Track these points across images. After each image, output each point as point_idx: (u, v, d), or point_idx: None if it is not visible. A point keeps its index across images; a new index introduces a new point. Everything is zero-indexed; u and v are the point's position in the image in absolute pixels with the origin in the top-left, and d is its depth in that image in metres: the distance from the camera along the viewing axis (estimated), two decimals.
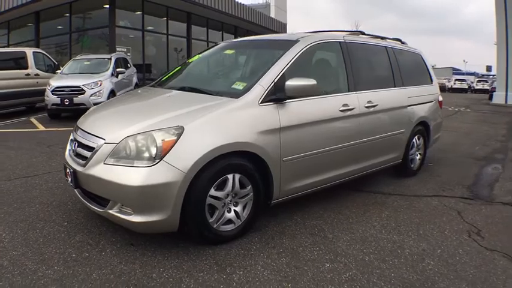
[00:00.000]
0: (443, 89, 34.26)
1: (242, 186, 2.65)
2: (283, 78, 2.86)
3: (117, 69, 9.66)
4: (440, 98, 4.91)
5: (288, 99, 2.86)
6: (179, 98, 3.02)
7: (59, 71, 9.50)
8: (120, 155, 2.42)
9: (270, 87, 2.79)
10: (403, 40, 4.68)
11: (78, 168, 2.63)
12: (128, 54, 14.93)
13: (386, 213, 3.36)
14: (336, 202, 3.55)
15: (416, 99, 4.31)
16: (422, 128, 4.53)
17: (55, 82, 8.32)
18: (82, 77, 8.74)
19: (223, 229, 2.63)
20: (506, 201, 3.73)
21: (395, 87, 4.07)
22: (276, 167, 2.79)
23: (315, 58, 3.30)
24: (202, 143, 2.41)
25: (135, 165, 2.36)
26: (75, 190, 2.81)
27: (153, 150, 2.35)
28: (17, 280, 2.15)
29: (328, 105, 3.19)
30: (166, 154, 2.33)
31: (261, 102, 2.73)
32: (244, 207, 2.72)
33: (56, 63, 10.63)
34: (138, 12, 16.20)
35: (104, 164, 2.45)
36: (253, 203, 2.74)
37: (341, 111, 3.27)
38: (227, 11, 18.61)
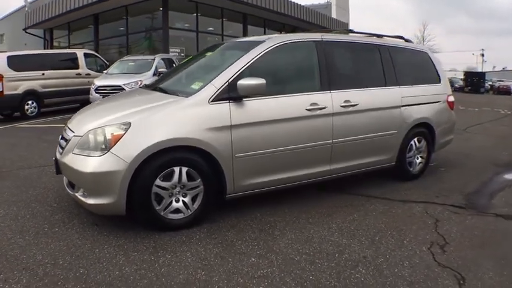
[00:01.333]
0: (508, 91, 32.00)
1: (191, 178, 2.92)
2: (239, 77, 3.07)
3: (160, 70, 10.51)
4: (451, 99, 4.64)
5: (245, 98, 3.08)
6: (145, 97, 3.39)
7: (105, 71, 10.66)
8: (84, 146, 2.85)
9: (223, 87, 3.01)
10: (407, 38, 4.54)
11: (58, 157, 3.15)
12: (182, 54, 16.00)
13: (354, 216, 3.34)
14: (310, 202, 3.61)
15: (414, 99, 4.15)
16: (425, 130, 4.34)
17: (98, 81, 9.39)
18: (124, 77, 9.71)
19: (171, 217, 2.92)
20: (501, 213, 3.44)
21: (386, 86, 3.99)
22: (228, 162, 3.01)
23: (281, 58, 3.42)
24: (146, 137, 2.73)
25: (91, 155, 2.77)
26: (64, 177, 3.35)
27: (104, 143, 2.75)
28: None
29: (291, 104, 3.29)
30: (113, 146, 2.71)
31: (212, 101, 2.97)
32: (194, 199, 2.97)
33: (108, 63, 11.89)
34: (193, 14, 17.20)
35: (72, 153, 2.91)
36: (204, 195, 3.00)
37: (308, 110, 3.36)
38: (284, 12, 18.84)
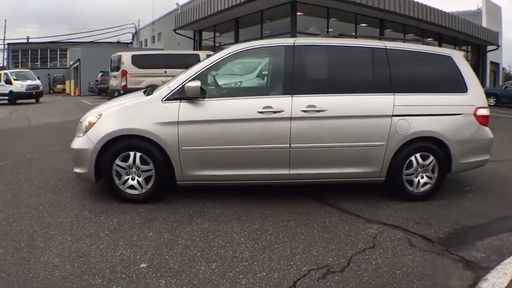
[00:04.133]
0: None
1: (145, 162, 3.74)
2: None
3: (263, 72, 11.69)
4: (482, 112, 3.98)
5: (197, 99, 3.74)
6: (131, 96, 4.35)
7: None
8: (78, 129, 4.05)
9: (176, 89, 3.70)
10: (427, 40, 4.20)
11: None
12: None
13: (290, 223, 3.45)
14: (266, 203, 3.88)
15: (415, 108, 3.80)
16: (433, 145, 3.94)
17: None
18: None
19: (128, 192, 3.81)
20: (468, 258, 2.89)
21: (373, 92, 3.87)
22: (175, 153, 3.69)
23: (240, 63, 3.93)
24: (108, 126, 3.70)
25: (78, 136, 3.96)
26: None
27: (85, 128, 3.91)
28: (6, 192, 4.21)
29: (242, 105, 3.69)
30: (88, 130, 3.84)
31: (165, 100, 3.74)
32: (147, 180, 3.78)
33: None
34: (324, 19, 17.93)
35: (76, 135, 4.22)
36: (156, 178, 3.79)
37: (260, 112, 3.69)
38: (423, 18, 17.85)
